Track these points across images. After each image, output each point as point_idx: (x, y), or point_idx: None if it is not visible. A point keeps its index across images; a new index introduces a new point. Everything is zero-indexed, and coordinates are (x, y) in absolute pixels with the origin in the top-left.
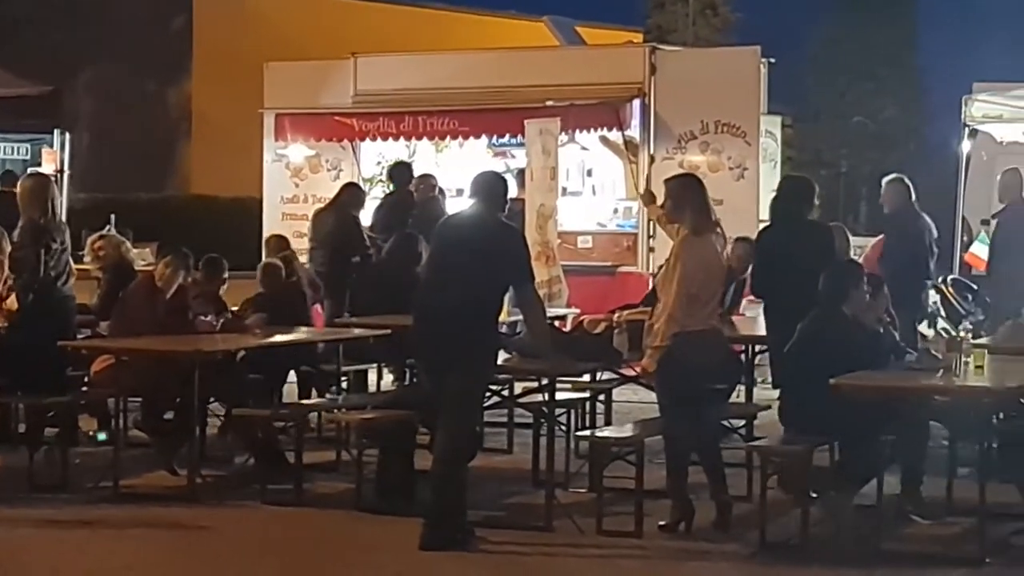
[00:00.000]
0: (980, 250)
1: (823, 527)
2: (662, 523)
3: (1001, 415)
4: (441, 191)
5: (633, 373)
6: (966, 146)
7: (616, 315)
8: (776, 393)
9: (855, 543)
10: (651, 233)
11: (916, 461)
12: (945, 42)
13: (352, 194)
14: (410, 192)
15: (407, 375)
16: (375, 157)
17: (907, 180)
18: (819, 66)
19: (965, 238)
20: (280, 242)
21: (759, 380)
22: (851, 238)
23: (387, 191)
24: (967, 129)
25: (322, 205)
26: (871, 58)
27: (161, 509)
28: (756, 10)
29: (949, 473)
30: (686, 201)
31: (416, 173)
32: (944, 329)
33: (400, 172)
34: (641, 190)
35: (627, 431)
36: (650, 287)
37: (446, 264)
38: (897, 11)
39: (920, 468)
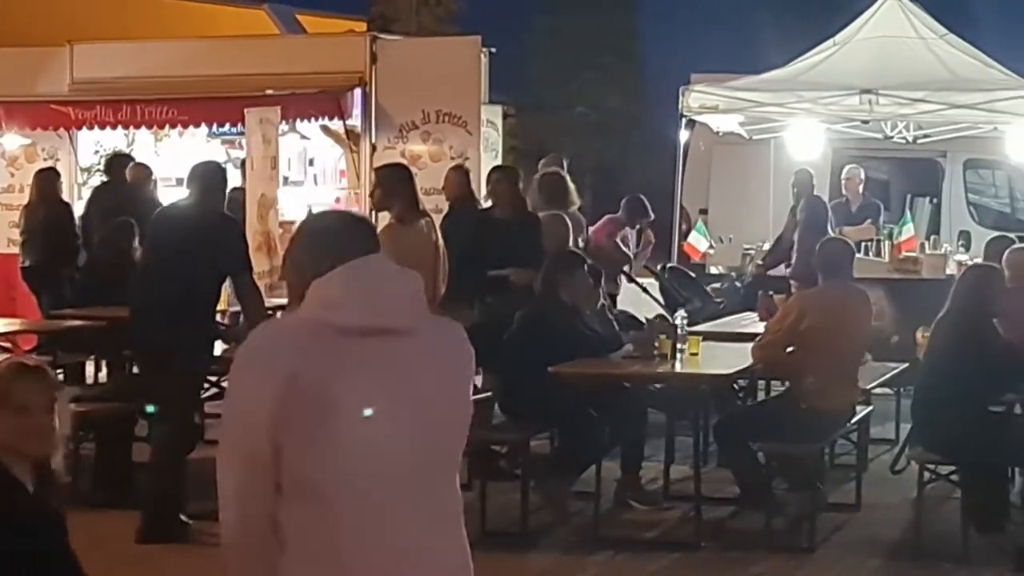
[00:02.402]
0: (697, 240)
1: (543, 514)
2: None
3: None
4: (156, 181)
5: None
6: (684, 136)
7: None
8: None
9: (574, 530)
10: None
11: (635, 447)
12: (666, 33)
13: (46, 178)
14: (125, 182)
15: (125, 367)
16: (93, 146)
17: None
18: (542, 56)
19: (684, 227)
20: None
21: None
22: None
23: (104, 180)
24: (684, 120)
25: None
26: (594, 48)
27: None
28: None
29: (667, 459)
30: (395, 190)
31: (134, 162)
32: (661, 316)
33: (116, 162)
34: (363, 179)
35: None
36: None
37: (162, 255)
38: (619, 1)
39: (639, 454)
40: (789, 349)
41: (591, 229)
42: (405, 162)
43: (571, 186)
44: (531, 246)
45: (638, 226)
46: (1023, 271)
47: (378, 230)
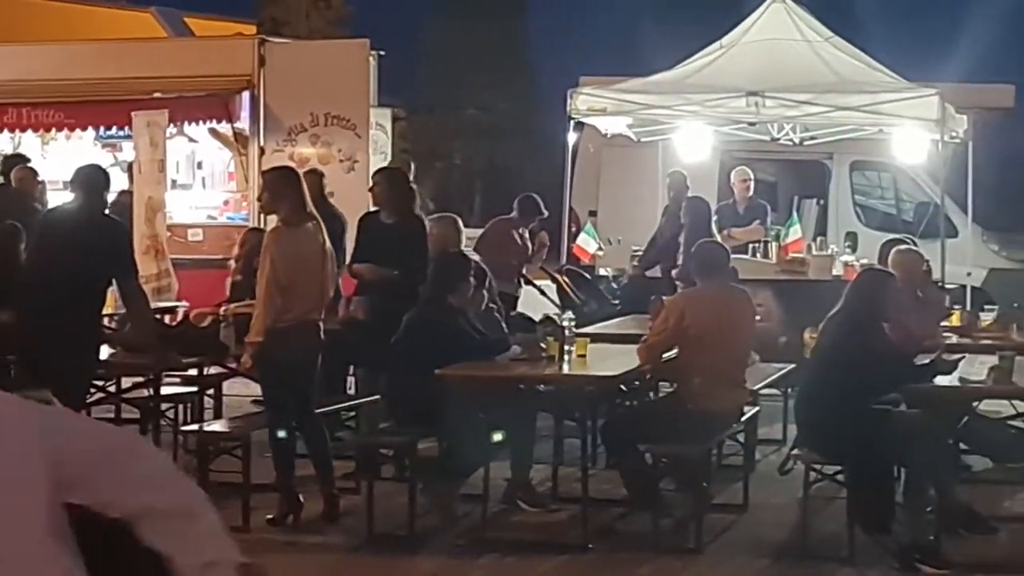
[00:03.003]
0: (586, 241)
1: (431, 517)
2: (270, 516)
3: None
4: (43, 184)
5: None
6: (572, 138)
7: (223, 308)
8: None
9: (462, 532)
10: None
11: (522, 450)
12: (556, 36)
13: None
14: (10, 185)
15: (7, 371)
16: None
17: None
18: (433, 59)
19: (573, 229)
20: None
21: None
22: (463, 229)
23: None
24: (573, 122)
25: None
26: (484, 51)
27: None
28: (370, 3)
29: (555, 461)
30: (281, 193)
31: (21, 165)
32: (549, 318)
33: (3, 165)
34: (251, 182)
35: (232, 425)
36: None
37: (47, 258)
38: (508, 4)
39: (527, 456)
40: (673, 352)
41: (486, 231)
42: (293, 165)
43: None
44: (411, 248)
45: (532, 225)
46: (908, 272)
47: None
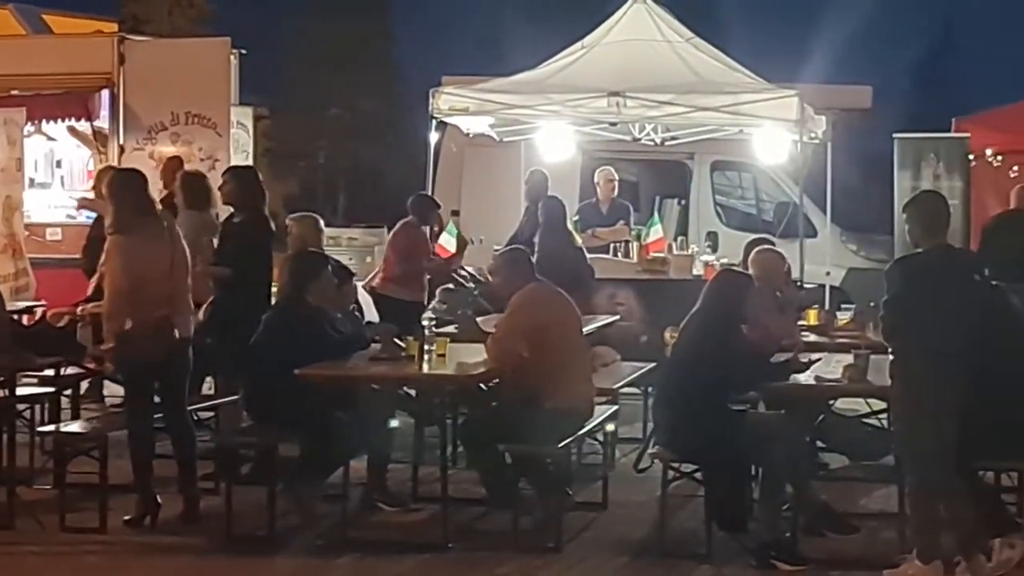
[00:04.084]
0: (448, 241)
1: (291, 518)
2: (127, 517)
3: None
4: None
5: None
6: (435, 138)
7: (80, 308)
8: None
9: (322, 532)
10: None
11: (382, 449)
12: (419, 35)
13: None
14: None
15: None
16: None
17: None
18: (296, 57)
19: (436, 228)
20: None
21: None
22: (324, 229)
23: None
24: (435, 122)
25: None
26: (348, 50)
27: None
28: (234, 1)
29: (415, 461)
30: (118, 198)
31: None
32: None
33: None
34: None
35: (90, 426)
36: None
37: None
38: (372, 3)
39: (386, 456)
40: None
41: (391, 236)
42: (154, 164)
43: (213, 187)
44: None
45: (431, 224)
46: (767, 272)
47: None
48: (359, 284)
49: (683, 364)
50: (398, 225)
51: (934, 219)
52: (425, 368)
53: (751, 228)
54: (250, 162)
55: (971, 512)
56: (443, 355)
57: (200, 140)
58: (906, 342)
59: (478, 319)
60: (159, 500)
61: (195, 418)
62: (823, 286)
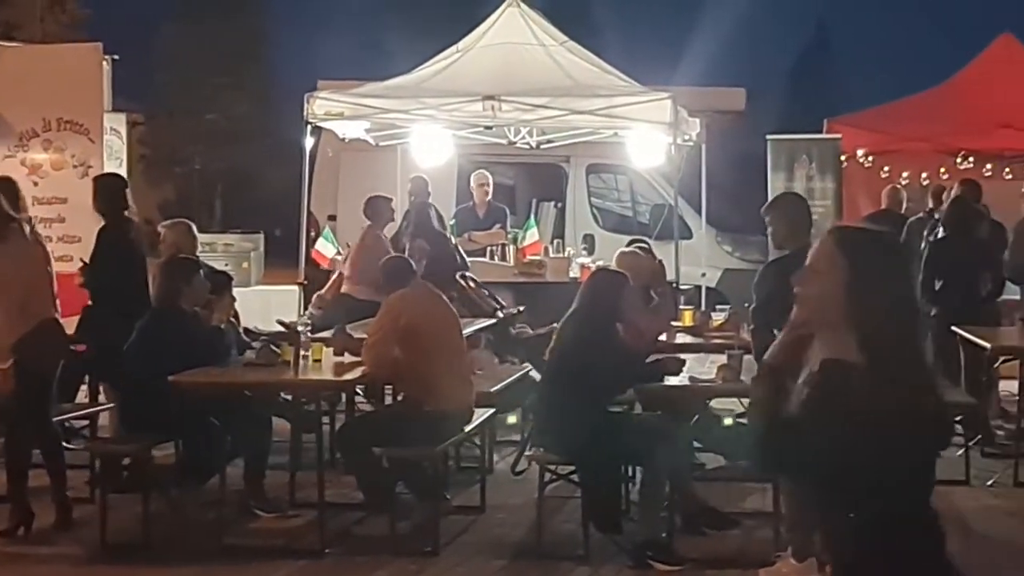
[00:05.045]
0: (325, 246)
1: (167, 525)
2: (1, 528)
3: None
4: None
5: None
6: (310, 143)
7: None
8: None
9: (199, 540)
10: None
11: (258, 455)
12: (295, 39)
13: None
14: None
15: None
16: None
17: None
18: (171, 63)
19: (313, 234)
20: None
21: None
22: (198, 235)
23: None
24: (310, 126)
25: None
26: (223, 54)
27: None
28: (108, 5)
29: (292, 467)
30: None
31: None
32: (280, 322)
33: None
34: None
35: None
36: None
37: None
38: (248, 5)
39: (262, 462)
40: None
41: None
42: (26, 171)
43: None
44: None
45: (387, 222)
46: (632, 272)
47: None
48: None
49: (560, 366)
50: (363, 230)
51: (798, 220)
52: (300, 374)
53: (627, 230)
54: (124, 169)
55: None
56: (319, 360)
57: (73, 147)
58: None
59: (349, 325)
60: (32, 510)
61: (66, 426)
62: (699, 287)
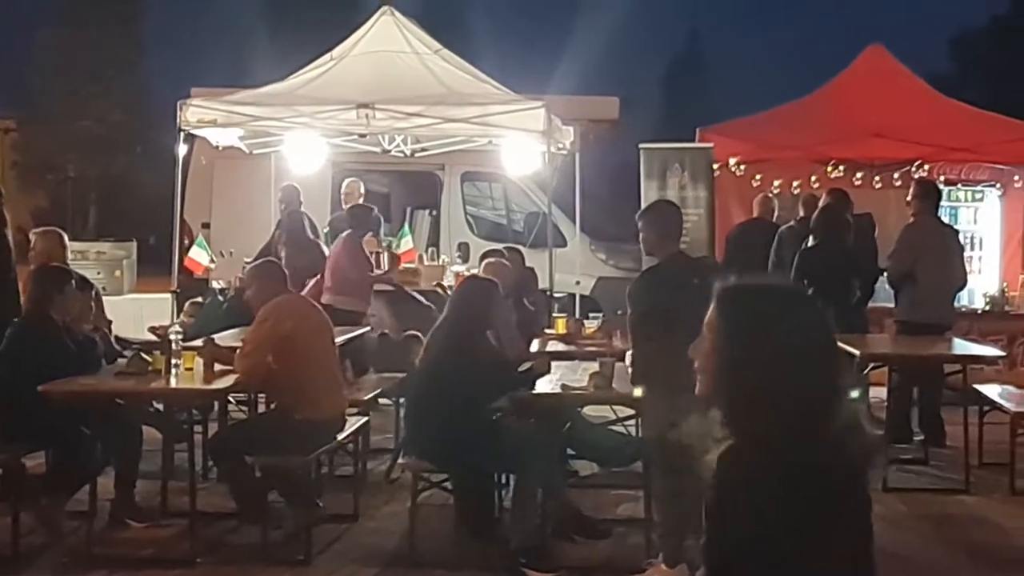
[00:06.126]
0: (199, 254)
1: (36, 535)
2: None
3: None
4: None
5: None
6: (183, 150)
7: None
8: None
9: (68, 550)
10: None
11: (129, 465)
12: (169, 47)
13: None
14: None
15: None
16: None
17: None
18: (46, 69)
19: (187, 241)
20: None
21: None
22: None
23: None
24: (183, 134)
25: None
26: (97, 61)
27: None
28: None
29: (164, 475)
30: None
31: None
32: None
33: None
34: None
35: None
36: None
37: None
38: (122, 13)
39: (133, 471)
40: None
41: (333, 251)
42: None
43: None
44: None
45: (369, 230)
46: (499, 281)
47: None
48: None
49: (432, 373)
50: (340, 239)
51: (668, 227)
52: (172, 382)
53: (501, 238)
54: None
55: None
56: (190, 369)
57: None
58: (654, 352)
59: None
60: None
61: None
62: (573, 295)
